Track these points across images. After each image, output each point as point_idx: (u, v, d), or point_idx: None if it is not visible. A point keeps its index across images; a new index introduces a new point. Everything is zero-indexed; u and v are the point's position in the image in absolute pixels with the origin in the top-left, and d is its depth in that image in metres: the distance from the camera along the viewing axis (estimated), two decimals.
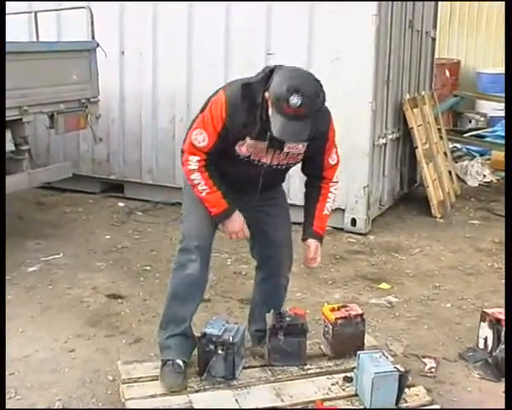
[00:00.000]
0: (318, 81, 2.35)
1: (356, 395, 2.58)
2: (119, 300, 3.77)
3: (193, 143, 2.50)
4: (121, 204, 5.73)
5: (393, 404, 2.50)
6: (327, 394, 2.60)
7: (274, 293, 2.91)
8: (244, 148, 2.50)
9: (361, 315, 2.90)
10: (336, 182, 2.72)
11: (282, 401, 2.54)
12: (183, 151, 2.59)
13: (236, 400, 2.53)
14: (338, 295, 3.89)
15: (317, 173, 2.66)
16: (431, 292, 4.02)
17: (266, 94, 2.33)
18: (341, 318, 2.85)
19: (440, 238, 5.09)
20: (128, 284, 4.00)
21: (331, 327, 2.85)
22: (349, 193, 5.07)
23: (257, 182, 2.60)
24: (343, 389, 2.63)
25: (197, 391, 2.58)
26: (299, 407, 2.51)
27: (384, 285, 4.10)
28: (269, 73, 2.37)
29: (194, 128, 2.53)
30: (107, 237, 4.90)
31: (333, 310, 2.89)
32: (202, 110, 2.54)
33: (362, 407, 2.51)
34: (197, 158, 2.51)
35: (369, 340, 2.99)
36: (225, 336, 2.62)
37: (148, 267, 4.16)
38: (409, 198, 6.16)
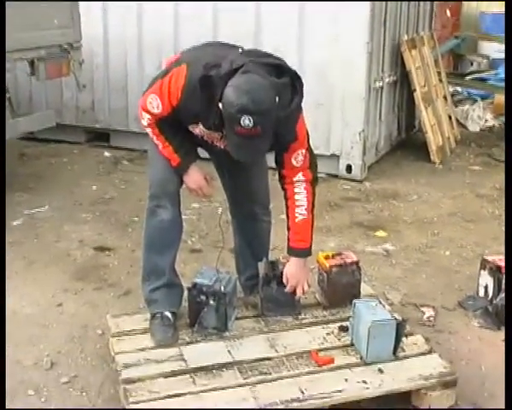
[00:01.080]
0: (284, 86, 2.21)
1: (352, 344, 2.53)
2: (107, 252, 3.71)
3: (147, 107, 2.44)
4: (107, 154, 5.62)
5: (391, 353, 2.45)
6: (322, 344, 2.55)
7: (254, 237, 2.83)
8: (197, 130, 2.46)
9: (356, 263, 2.82)
10: (304, 180, 2.50)
11: (276, 351, 2.49)
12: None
13: (229, 351, 2.48)
14: (333, 244, 3.82)
15: (279, 169, 2.54)
16: (429, 240, 3.96)
17: (220, 105, 2.18)
18: (336, 265, 2.78)
19: (439, 185, 5.00)
20: (115, 235, 3.94)
21: (326, 275, 2.78)
22: (344, 138, 4.96)
23: (220, 153, 2.51)
24: (338, 339, 2.58)
25: (188, 343, 2.52)
26: (293, 357, 2.45)
27: (380, 233, 4.05)
28: (233, 71, 2.19)
29: (151, 91, 2.44)
30: (94, 187, 4.81)
31: (327, 258, 2.82)
32: (163, 75, 2.43)
33: (358, 356, 2.45)
34: (149, 117, 2.47)
35: (365, 289, 2.93)
36: (216, 286, 2.54)
37: (136, 218, 4.06)
38: (406, 144, 6.05)
